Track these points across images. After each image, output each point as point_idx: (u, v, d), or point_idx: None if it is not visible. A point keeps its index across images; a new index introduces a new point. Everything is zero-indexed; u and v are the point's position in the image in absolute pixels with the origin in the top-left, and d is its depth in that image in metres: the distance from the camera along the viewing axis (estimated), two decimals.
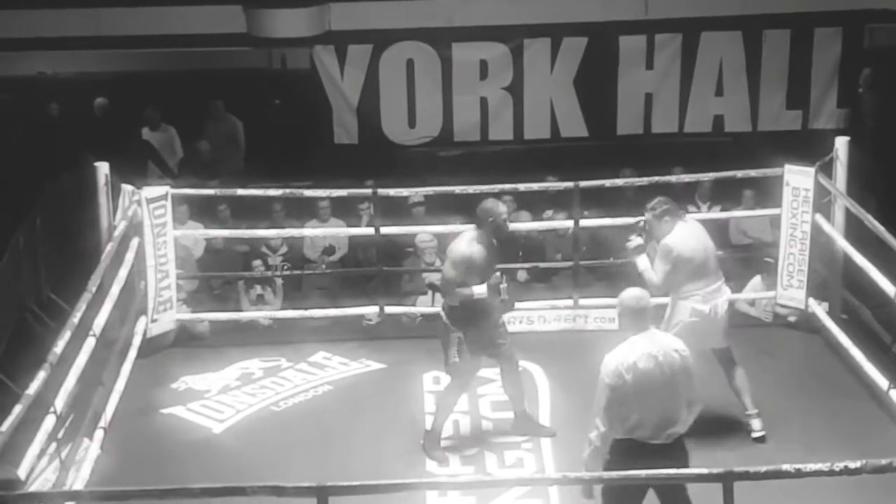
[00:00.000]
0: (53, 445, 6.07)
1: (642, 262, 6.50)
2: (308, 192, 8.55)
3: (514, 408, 6.79)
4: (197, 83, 11.52)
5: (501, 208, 6.55)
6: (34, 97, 11.59)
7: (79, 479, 6.15)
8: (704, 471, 4.45)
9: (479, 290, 6.34)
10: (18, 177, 10.21)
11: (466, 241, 6.44)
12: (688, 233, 6.47)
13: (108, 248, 7.26)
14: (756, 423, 6.65)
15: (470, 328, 6.40)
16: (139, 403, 7.18)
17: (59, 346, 5.93)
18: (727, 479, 4.34)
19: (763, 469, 4.41)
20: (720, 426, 6.73)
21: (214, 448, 6.60)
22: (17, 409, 5.25)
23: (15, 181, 10.03)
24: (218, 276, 9.19)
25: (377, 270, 8.47)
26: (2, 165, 10.37)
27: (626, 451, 4.99)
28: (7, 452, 5.25)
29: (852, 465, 4.34)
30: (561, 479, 5.57)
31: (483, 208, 6.50)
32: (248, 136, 11.39)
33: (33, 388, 5.49)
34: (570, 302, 8.21)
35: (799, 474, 4.39)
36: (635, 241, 6.56)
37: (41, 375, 5.60)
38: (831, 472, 4.36)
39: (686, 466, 5.01)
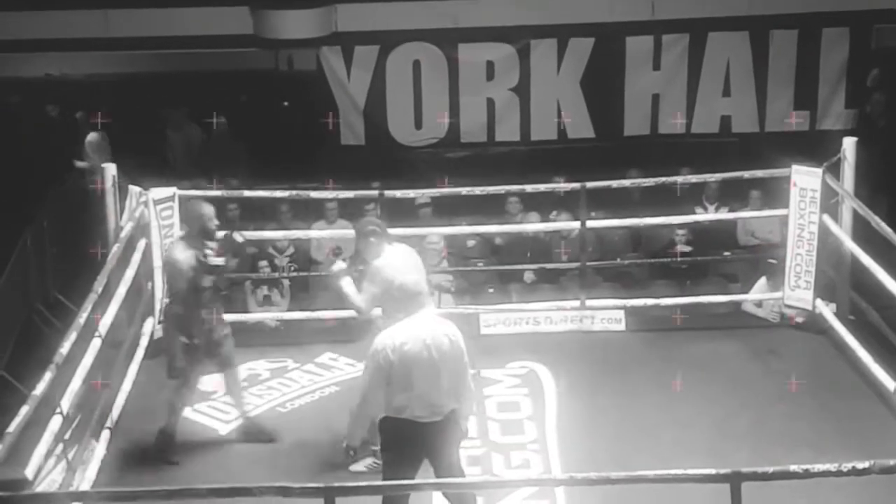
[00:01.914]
0: (60, 446, 6.07)
1: (346, 285, 6.24)
2: (315, 194, 8.55)
3: (239, 413, 6.82)
4: (204, 84, 11.52)
5: (207, 210, 6.49)
6: (42, 99, 11.61)
7: (85, 480, 6.15)
8: (712, 471, 4.44)
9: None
10: (26, 178, 10.24)
11: (178, 247, 6.48)
12: (397, 255, 6.23)
13: (115, 250, 7.27)
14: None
15: (192, 333, 6.42)
16: (146, 404, 7.17)
17: (65, 347, 5.94)
18: (735, 480, 4.33)
19: (771, 470, 4.39)
20: (727, 428, 6.73)
21: (221, 449, 6.60)
22: (24, 410, 5.26)
23: (23, 182, 10.06)
24: (225, 277, 9.17)
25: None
26: (10, 166, 10.40)
27: (396, 429, 5.27)
28: (14, 453, 5.25)
29: (860, 465, 4.33)
30: (568, 479, 5.56)
31: (187, 210, 6.51)
32: (255, 137, 11.37)
33: (40, 388, 5.50)
34: (576, 303, 8.20)
35: (807, 475, 4.37)
36: (338, 264, 6.31)
37: (47, 376, 5.61)
38: (839, 473, 4.35)
39: (456, 441, 5.41)
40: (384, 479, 5.33)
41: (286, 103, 11.85)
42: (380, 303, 6.07)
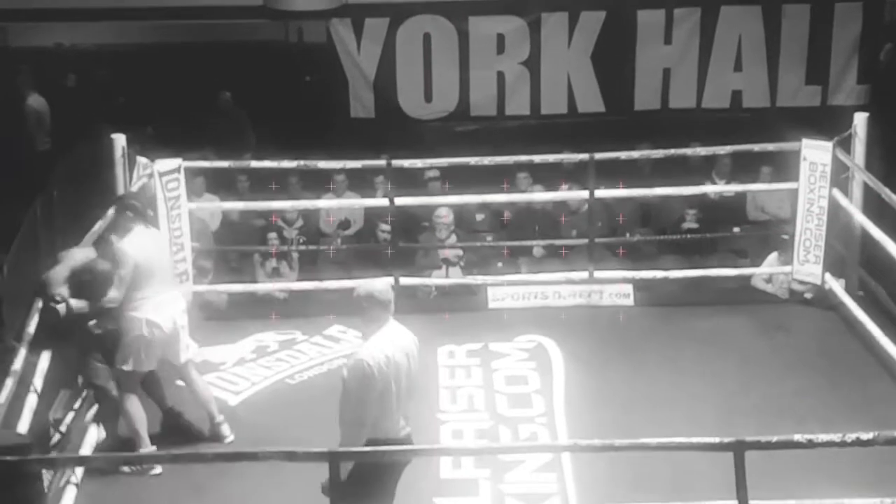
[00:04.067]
0: (71, 414, 6.12)
1: (76, 303, 6.02)
2: (323, 164, 8.54)
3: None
4: (214, 55, 11.50)
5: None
6: (52, 68, 11.60)
7: (86, 445, 6.21)
8: (716, 440, 4.43)
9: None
10: (35, 148, 10.27)
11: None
12: (144, 237, 6.18)
13: None
14: (225, 429, 6.46)
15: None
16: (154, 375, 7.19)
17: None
18: (738, 449, 4.31)
19: (774, 439, 4.38)
20: (734, 402, 6.73)
21: (230, 420, 6.61)
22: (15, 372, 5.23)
23: (32, 152, 10.07)
24: (234, 250, 9.21)
25: (392, 245, 8.46)
26: (21, 135, 10.41)
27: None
28: (12, 418, 5.29)
29: (864, 436, 4.32)
30: (572, 446, 5.57)
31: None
32: (264, 108, 11.33)
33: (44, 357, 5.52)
34: (585, 275, 8.19)
35: (811, 445, 4.36)
36: (59, 308, 6.01)
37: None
38: (843, 444, 4.33)
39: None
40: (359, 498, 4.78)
41: (308, 78, 11.76)
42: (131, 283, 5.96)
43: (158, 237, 6.57)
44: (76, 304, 6.02)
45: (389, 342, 4.95)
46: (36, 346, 5.94)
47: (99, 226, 6.73)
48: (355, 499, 4.72)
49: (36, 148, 11.10)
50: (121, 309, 6.07)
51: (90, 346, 6.19)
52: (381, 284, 5.09)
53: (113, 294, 6.01)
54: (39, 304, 6.14)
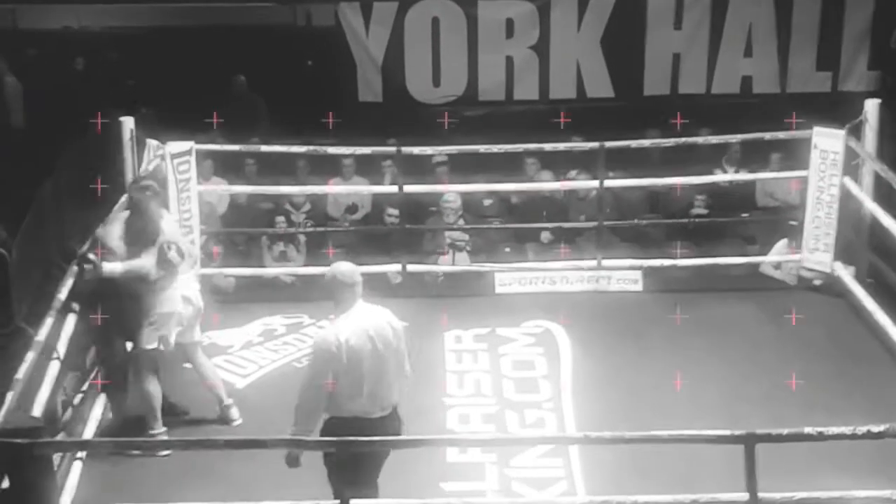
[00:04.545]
0: (80, 396, 6.14)
1: (115, 266, 6.09)
2: (331, 150, 8.53)
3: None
4: (222, 39, 11.47)
5: None
6: (61, 51, 11.59)
7: (92, 425, 6.23)
8: (726, 433, 4.43)
9: None
10: (45, 130, 10.24)
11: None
12: (167, 217, 6.32)
13: None
14: (234, 412, 6.50)
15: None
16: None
17: (62, 292, 6.01)
18: (749, 441, 4.31)
19: (785, 432, 4.38)
20: (742, 390, 6.72)
21: (237, 403, 6.63)
22: (30, 357, 5.27)
23: (41, 135, 10.06)
24: (241, 233, 9.21)
25: (399, 229, 8.46)
26: (29, 119, 10.40)
27: (345, 429, 4.86)
28: (24, 401, 5.31)
29: (875, 428, 4.31)
30: (582, 438, 5.57)
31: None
32: (273, 92, 11.31)
33: (42, 334, 5.52)
34: (593, 263, 8.18)
35: (821, 437, 4.36)
36: (88, 269, 6.14)
37: (48, 321, 5.63)
38: (854, 436, 4.33)
39: (400, 434, 5.02)
40: (341, 482, 4.83)
41: (310, 62, 11.75)
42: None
43: (172, 218, 6.61)
44: (109, 266, 6.04)
45: (354, 324, 4.99)
46: (60, 318, 5.94)
47: (119, 206, 6.71)
48: (340, 482, 4.80)
49: (11, 125, 11.27)
50: (152, 286, 6.10)
51: (114, 324, 6.22)
52: (345, 267, 5.10)
53: (149, 268, 6.05)
54: (74, 268, 6.18)
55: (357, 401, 4.97)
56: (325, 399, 4.96)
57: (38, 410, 5.39)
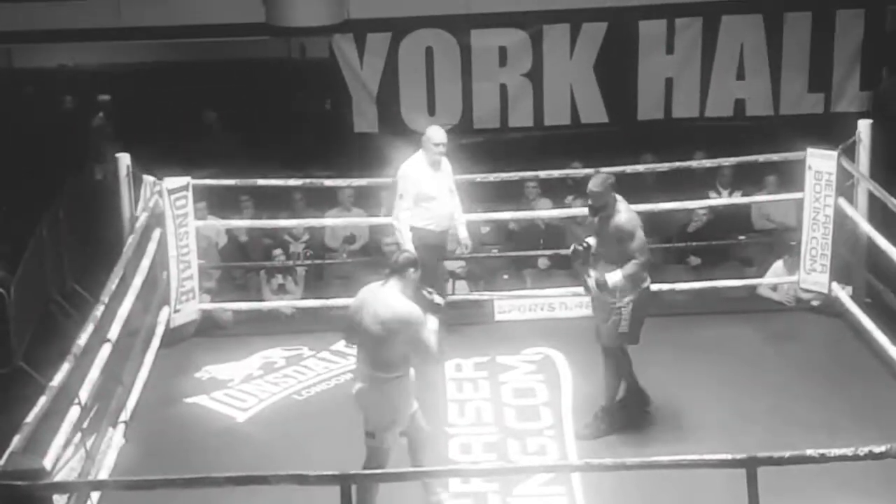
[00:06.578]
0: (78, 436, 6.11)
1: (614, 276, 6.36)
2: (328, 182, 8.56)
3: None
4: (218, 73, 11.54)
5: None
6: (55, 89, 11.65)
7: (103, 469, 6.19)
8: (728, 457, 4.43)
9: None
10: (42, 168, 10.27)
11: None
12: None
13: (131, 240, 7.30)
14: None
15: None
16: (162, 393, 7.21)
17: (82, 339, 5.96)
18: (751, 465, 4.32)
19: (787, 454, 4.38)
20: (742, 412, 6.72)
21: (238, 437, 6.63)
22: (42, 401, 5.29)
23: (38, 172, 10.09)
24: (239, 266, 9.22)
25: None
26: (25, 157, 10.43)
27: None
28: (32, 443, 5.28)
29: (877, 449, 4.31)
30: (583, 465, 5.57)
31: None
32: (268, 125, 11.37)
33: (58, 379, 5.53)
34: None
35: (823, 459, 4.36)
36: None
37: (65, 367, 5.63)
38: (856, 457, 4.33)
39: None
40: None
41: (328, 105, 11.78)
42: None
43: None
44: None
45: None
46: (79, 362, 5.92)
47: None
48: None
49: None
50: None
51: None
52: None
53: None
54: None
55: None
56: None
57: (52, 454, 5.37)
